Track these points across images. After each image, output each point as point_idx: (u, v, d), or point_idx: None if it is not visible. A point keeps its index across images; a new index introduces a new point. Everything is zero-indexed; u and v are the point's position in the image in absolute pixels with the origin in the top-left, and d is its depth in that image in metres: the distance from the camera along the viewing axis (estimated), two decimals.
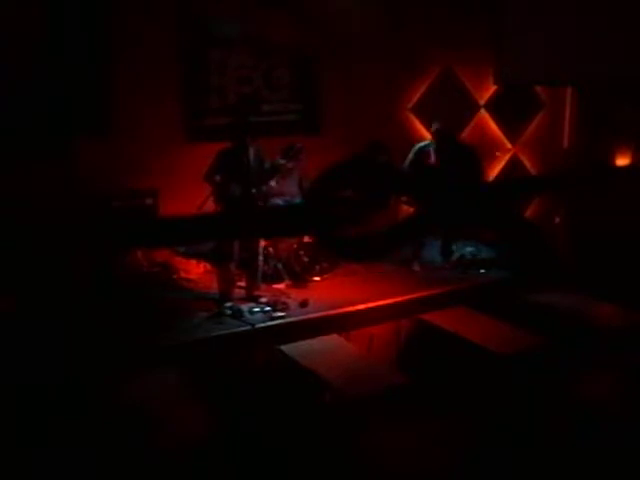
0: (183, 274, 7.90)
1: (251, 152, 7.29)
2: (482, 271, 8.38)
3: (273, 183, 7.59)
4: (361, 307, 7.20)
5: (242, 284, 7.53)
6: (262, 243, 7.62)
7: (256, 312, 7.04)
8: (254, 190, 7.24)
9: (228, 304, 7.06)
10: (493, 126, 10.16)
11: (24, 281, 6.17)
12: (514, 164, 10.34)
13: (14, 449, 4.99)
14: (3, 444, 4.98)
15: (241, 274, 7.51)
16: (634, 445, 5.26)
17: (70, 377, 5.72)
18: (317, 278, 7.99)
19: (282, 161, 7.67)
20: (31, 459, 4.94)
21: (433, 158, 8.28)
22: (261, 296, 7.34)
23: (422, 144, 8.47)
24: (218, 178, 7.16)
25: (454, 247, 8.65)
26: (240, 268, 7.41)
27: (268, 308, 7.08)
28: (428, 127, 9.14)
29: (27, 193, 6.80)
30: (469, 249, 8.81)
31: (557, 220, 9.96)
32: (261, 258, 7.51)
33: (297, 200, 7.91)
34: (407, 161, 8.27)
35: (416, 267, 8.39)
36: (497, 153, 10.00)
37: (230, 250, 7.22)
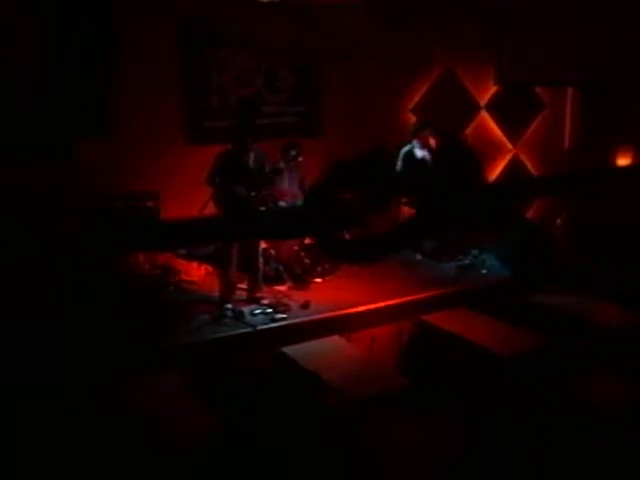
0: (184, 276, 7.90)
1: (251, 155, 7.29)
2: (483, 272, 8.39)
3: (278, 184, 7.64)
4: (362, 309, 7.21)
5: (243, 286, 7.54)
6: (262, 245, 7.63)
7: (258, 314, 7.05)
8: (253, 193, 7.24)
9: (229, 306, 7.06)
10: (494, 127, 10.17)
11: (24, 281, 6.19)
12: (515, 165, 10.36)
13: (14, 449, 5.01)
14: (3, 444, 4.99)
15: (242, 276, 7.52)
16: (634, 445, 5.26)
17: (70, 377, 5.73)
18: (318, 280, 8.00)
19: (281, 164, 7.70)
20: (31, 459, 4.95)
21: (421, 154, 8.54)
22: (263, 298, 7.36)
23: (407, 148, 8.61)
24: (218, 180, 7.18)
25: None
26: (240, 270, 7.42)
27: (270, 310, 7.09)
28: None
29: (27, 193, 6.82)
30: (473, 251, 8.81)
31: (558, 221, 9.96)
32: (261, 260, 7.52)
33: (298, 202, 7.91)
34: (398, 168, 8.39)
35: (418, 256, 8.68)
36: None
37: (230, 253, 7.23)
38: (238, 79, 8.45)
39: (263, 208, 7.46)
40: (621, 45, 8.47)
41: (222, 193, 7.17)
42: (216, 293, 7.36)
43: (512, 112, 10.20)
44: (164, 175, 7.65)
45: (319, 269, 8.04)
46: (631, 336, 6.69)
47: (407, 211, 8.11)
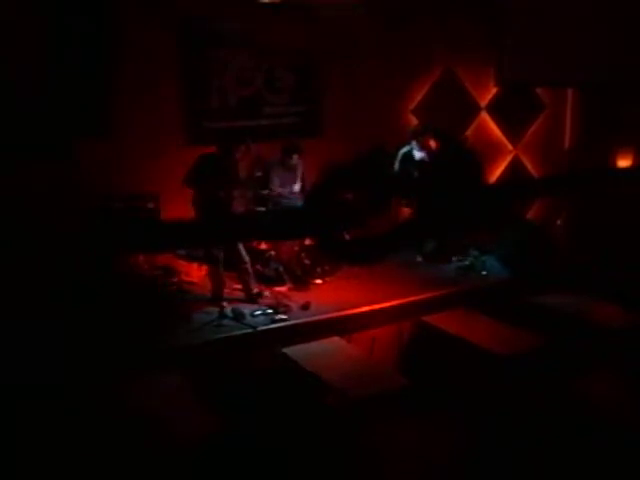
0: (184, 277, 7.89)
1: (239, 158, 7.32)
2: (483, 273, 8.38)
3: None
4: (363, 309, 7.21)
5: (240, 287, 7.55)
6: (263, 246, 7.63)
7: (258, 315, 7.05)
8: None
9: (228, 307, 7.06)
10: (494, 128, 10.16)
11: (24, 281, 6.19)
12: (515, 166, 10.35)
13: (14, 449, 5.01)
14: (3, 444, 4.99)
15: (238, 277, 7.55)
16: (634, 445, 5.26)
17: (70, 377, 5.73)
18: (319, 281, 8.00)
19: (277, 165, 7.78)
20: (31, 459, 4.95)
21: (420, 155, 8.56)
22: (262, 298, 7.35)
23: (405, 149, 8.62)
24: (199, 182, 7.18)
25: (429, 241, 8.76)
26: (228, 270, 7.43)
27: (270, 311, 7.10)
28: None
29: (27, 193, 6.82)
30: (473, 252, 8.80)
31: (558, 222, 9.96)
32: (247, 259, 7.47)
33: (299, 202, 7.91)
34: (395, 168, 8.43)
35: (419, 258, 8.67)
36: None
37: (214, 252, 7.24)
38: (238, 79, 8.45)
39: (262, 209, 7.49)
40: (621, 45, 8.46)
41: (204, 197, 7.16)
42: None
43: (512, 113, 10.19)
44: (164, 175, 7.63)
45: (319, 270, 8.04)
46: (631, 336, 6.69)
47: (407, 211, 8.13)
